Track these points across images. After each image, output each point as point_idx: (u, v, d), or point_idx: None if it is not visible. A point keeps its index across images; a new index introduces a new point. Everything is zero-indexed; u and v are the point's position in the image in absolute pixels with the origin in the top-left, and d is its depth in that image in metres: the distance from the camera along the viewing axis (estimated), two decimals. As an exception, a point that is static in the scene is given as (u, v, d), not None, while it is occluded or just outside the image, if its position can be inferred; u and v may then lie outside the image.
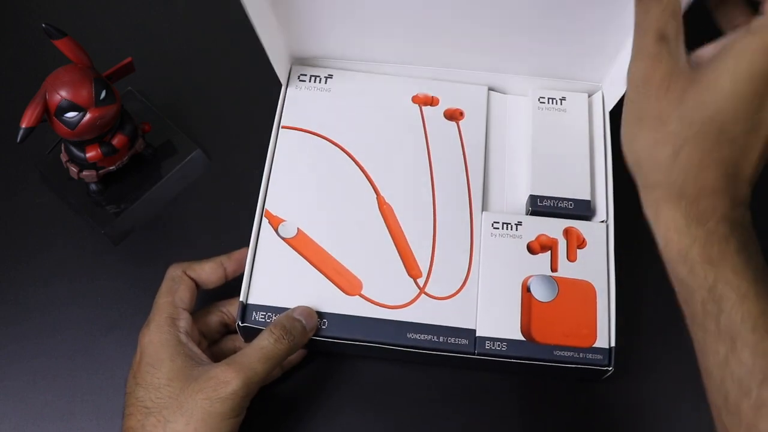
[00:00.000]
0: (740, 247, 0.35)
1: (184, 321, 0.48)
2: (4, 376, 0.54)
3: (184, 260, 0.57)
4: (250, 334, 0.49)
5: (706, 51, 0.37)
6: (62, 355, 0.54)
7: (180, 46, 0.67)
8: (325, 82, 0.58)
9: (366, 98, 0.57)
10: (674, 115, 0.35)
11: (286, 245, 0.51)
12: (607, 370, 0.48)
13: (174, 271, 0.50)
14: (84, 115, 0.51)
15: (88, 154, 0.54)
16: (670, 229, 0.36)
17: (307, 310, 0.48)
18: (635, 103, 0.37)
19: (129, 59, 0.55)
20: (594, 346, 0.48)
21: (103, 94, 0.51)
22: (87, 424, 0.52)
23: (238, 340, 0.52)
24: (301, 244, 0.51)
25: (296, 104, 0.57)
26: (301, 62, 0.59)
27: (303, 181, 0.54)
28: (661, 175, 0.36)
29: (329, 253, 0.51)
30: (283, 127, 0.56)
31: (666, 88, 0.35)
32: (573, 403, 0.52)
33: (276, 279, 0.50)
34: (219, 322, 0.51)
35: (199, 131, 0.62)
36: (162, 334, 0.47)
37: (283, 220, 0.52)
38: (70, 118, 0.51)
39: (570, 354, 0.48)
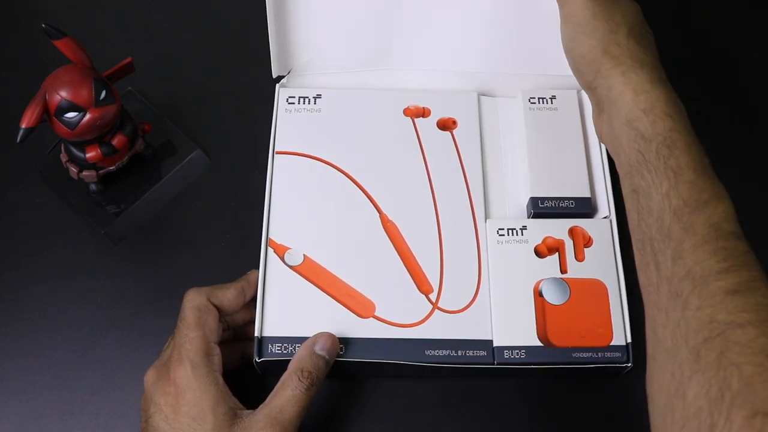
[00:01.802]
0: (683, 108, 0.45)
1: (217, 357, 0.47)
2: (5, 375, 0.54)
3: (184, 260, 0.57)
4: (268, 367, 0.49)
5: None
6: (62, 355, 0.54)
7: (180, 46, 0.67)
8: (315, 102, 0.57)
9: (357, 115, 0.57)
10: (616, 11, 0.48)
11: (295, 273, 0.51)
12: (627, 366, 0.49)
13: (198, 299, 0.48)
14: (84, 115, 0.51)
15: (88, 154, 0.54)
16: (637, 91, 0.45)
17: (328, 342, 0.48)
18: (587, 8, 0.48)
19: (129, 59, 0.55)
20: (611, 344, 0.49)
21: (103, 94, 0.51)
22: (87, 424, 0.52)
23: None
24: (309, 270, 0.51)
25: (288, 128, 0.56)
26: (293, 73, 0.59)
27: (304, 206, 0.53)
28: (624, 51, 0.47)
29: (338, 277, 0.51)
30: (278, 153, 0.55)
31: None
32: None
33: (288, 309, 0.50)
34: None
35: (199, 131, 0.62)
36: (202, 378, 0.45)
37: (289, 248, 0.52)
38: (70, 118, 0.51)
39: (588, 355, 0.48)
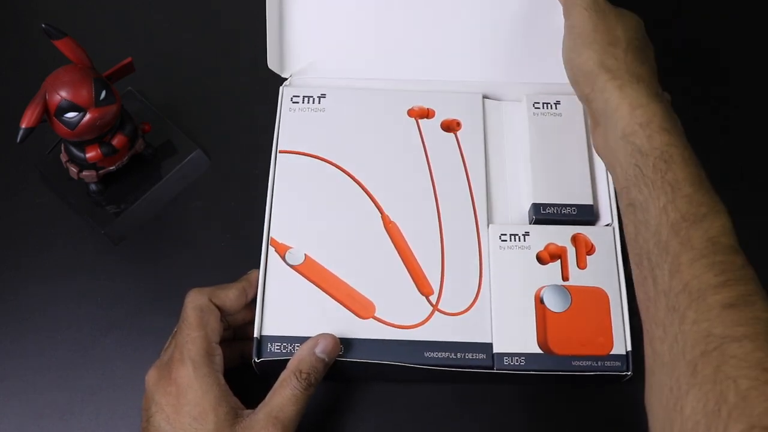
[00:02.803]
0: (680, 123, 0.45)
1: (218, 357, 0.47)
2: (5, 375, 0.54)
3: (184, 260, 0.57)
4: (267, 367, 0.49)
5: None
6: (62, 355, 0.54)
7: (180, 46, 0.67)
8: (319, 102, 0.57)
9: (361, 115, 0.57)
10: (618, 25, 0.49)
11: (295, 273, 0.51)
12: (626, 375, 0.48)
13: (200, 299, 0.48)
14: (84, 115, 0.51)
15: (88, 155, 0.54)
16: (634, 105, 0.45)
17: (330, 345, 0.48)
18: (588, 20, 0.49)
19: (129, 59, 0.55)
20: (611, 353, 0.48)
21: (103, 94, 0.51)
22: (87, 424, 0.52)
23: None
24: (309, 270, 0.51)
25: (291, 127, 0.56)
26: (296, 74, 0.59)
27: (306, 206, 0.53)
28: (621, 65, 0.47)
29: (339, 277, 0.51)
30: (281, 152, 0.55)
31: (609, 10, 0.50)
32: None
33: (288, 308, 0.50)
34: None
35: (199, 131, 0.62)
36: (203, 378, 0.45)
37: (290, 248, 0.52)
38: (70, 118, 0.51)
39: (588, 363, 0.48)
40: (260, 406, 0.46)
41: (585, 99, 0.50)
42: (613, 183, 0.46)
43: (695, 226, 0.40)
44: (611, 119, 0.46)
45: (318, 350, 0.48)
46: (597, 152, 0.50)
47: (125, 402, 0.52)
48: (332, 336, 0.48)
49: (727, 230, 0.40)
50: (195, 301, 0.47)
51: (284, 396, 0.45)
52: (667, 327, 0.39)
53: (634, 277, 0.44)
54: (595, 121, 0.50)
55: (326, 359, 0.48)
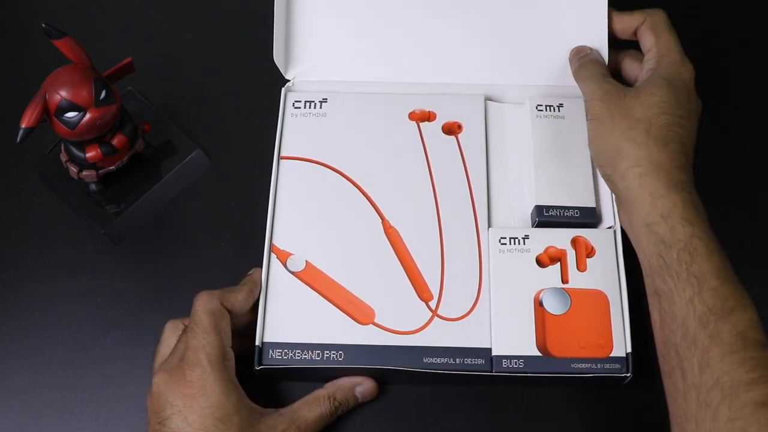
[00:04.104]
0: (704, 211, 0.45)
1: (232, 362, 0.47)
2: (5, 375, 0.54)
3: (184, 260, 0.57)
4: (269, 373, 0.49)
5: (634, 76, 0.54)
6: (62, 355, 0.54)
7: (180, 46, 0.67)
8: (320, 107, 0.57)
9: (362, 120, 0.57)
10: (636, 105, 0.48)
11: (296, 279, 0.51)
12: (626, 377, 0.48)
13: (212, 303, 0.47)
14: (84, 115, 0.51)
15: (88, 154, 0.54)
16: (654, 196, 0.45)
17: (369, 391, 0.50)
18: (603, 108, 0.49)
19: (129, 59, 0.55)
20: (611, 355, 0.48)
21: (103, 94, 0.51)
22: (87, 424, 0.52)
23: None
24: (310, 276, 0.51)
25: (293, 133, 0.56)
26: (299, 76, 0.59)
27: (307, 212, 0.53)
28: (641, 151, 0.46)
29: (339, 283, 0.51)
30: (283, 158, 0.55)
31: (624, 94, 0.50)
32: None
33: (289, 315, 0.50)
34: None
35: (199, 131, 0.62)
36: (224, 382, 0.45)
37: (291, 254, 0.52)
38: (70, 118, 0.51)
39: (588, 365, 0.48)
40: (284, 410, 0.47)
41: (607, 180, 0.50)
42: (641, 265, 0.47)
43: (723, 320, 0.40)
44: (632, 205, 0.46)
45: (358, 390, 0.50)
46: (623, 227, 0.50)
47: (125, 402, 0.52)
48: (375, 384, 0.50)
49: (755, 324, 0.41)
50: (207, 305, 0.47)
51: (313, 412, 0.48)
52: (700, 422, 0.39)
53: (660, 366, 0.44)
54: (618, 200, 0.50)
55: (359, 400, 0.50)
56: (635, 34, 0.54)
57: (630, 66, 0.55)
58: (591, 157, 0.52)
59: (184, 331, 0.47)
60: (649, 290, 0.46)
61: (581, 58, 0.55)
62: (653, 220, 0.45)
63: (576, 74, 0.55)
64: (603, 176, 0.50)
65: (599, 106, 0.50)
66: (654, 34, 0.52)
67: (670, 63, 0.50)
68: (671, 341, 0.42)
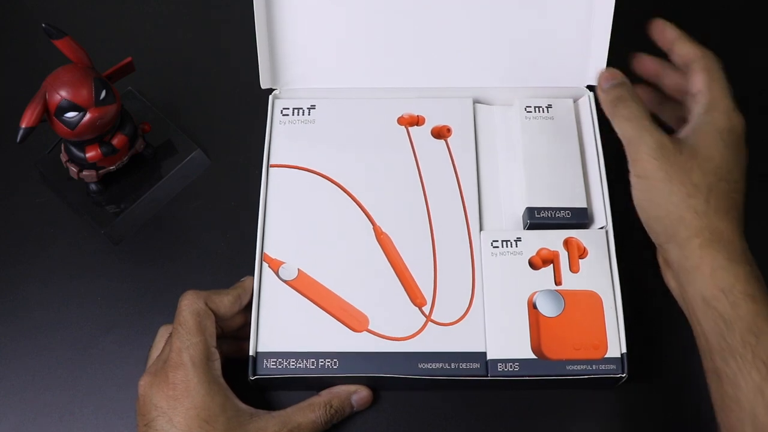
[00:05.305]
0: (765, 284, 0.42)
1: (217, 362, 0.47)
2: (4, 375, 0.54)
3: (184, 260, 0.57)
4: (264, 384, 0.49)
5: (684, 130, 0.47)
6: (62, 355, 0.54)
7: (180, 46, 0.67)
8: (309, 114, 0.57)
9: (351, 126, 0.57)
10: (695, 168, 0.44)
11: (289, 288, 0.51)
12: (621, 378, 0.48)
13: (197, 304, 0.47)
14: (84, 115, 0.51)
15: (88, 154, 0.54)
16: (715, 269, 0.42)
17: (364, 399, 0.50)
18: (657, 167, 0.44)
19: (129, 59, 0.55)
20: (606, 356, 0.48)
21: (103, 94, 0.51)
22: (87, 423, 0.52)
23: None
24: (303, 285, 0.51)
25: (282, 140, 0.56)
26: (286, 84, 0.59)
27: (298, 220, 0.53)
28: (702, 222, 0.43)
29: (332, 291, 0.51)
30: (272, 166, 0.55)
31: (680, 151, 0.44)
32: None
33: (282, 324, 0.50)
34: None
35: (199, 131, 0.62)
36: (208, 382, 0.45)
37: (283, 263, 0.52)
38: (70, 118, 0.51)
39: (583, 367, 0.48)
40: (277, 413, 0.47)
41: (659, 245, 0.47)
42: (694, 334, 0.44)
43: None
44: (689, 276, 0.43)
45: (354, 398, 0.50)
46: (671, 291, 0.47)
47: (125, 402, 0.52)
48: (370, 392, 0.50)
49: None
50: (192, 305, 0.47)
51: (307, 417, 0.47)
52: None
53: None
54: (665, 262, 0.47)
55: (354, 408, 0.50)
56: (685, 64, 0.49)
57: (673, 80, 0.51)
58: (641, 219, 0.47)
59: (173, 331, 0.47)
60: (707, 366, 0.43)
61: (616, 88, 0.48)
62: (712, 294, 0.42)
63: (613, 110, 0.48)
64: (655, 242, 0.47)
65: (652, 164, 0.44)
66: (708, 77, 0.47)
67: (723, 112, 0.46)
68: (737, 429, 0.40)
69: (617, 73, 0.49)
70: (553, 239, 0.52)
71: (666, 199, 0.44)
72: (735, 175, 0.45)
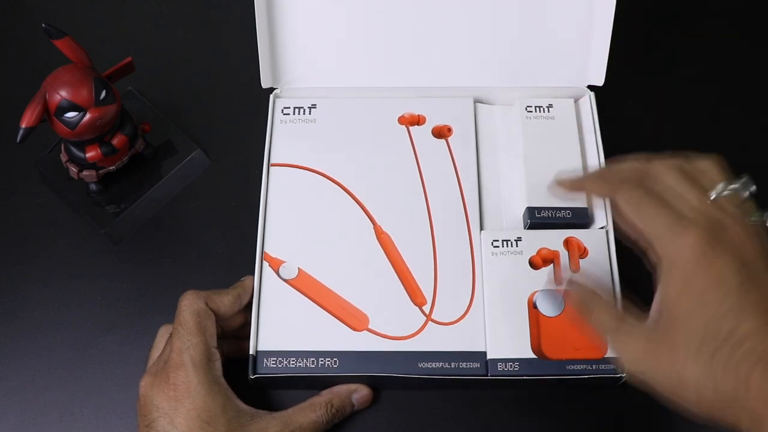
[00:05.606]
0: None
1: (218, 362, 0.47)
2: (4, 375, 0.54)
3: (184, 260, 0.57)
4: (264, 383, 0.49)
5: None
6: (62, 355, 0.54)
7: (180, 46, 0.67)
8: (309, 113, 0.57)
9: (352, 125, 0.57)
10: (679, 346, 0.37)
11: (289, 287, 0.51)
12: (621, 378, 0.48)
13: (197, 304, 0.47)
14: (84, 115, 0.51)
15: (88, 154, 0.54)
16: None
17: (364, 398, 0.50)
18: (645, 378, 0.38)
19: (129, 59, 0.55)
20: (606, 356, 0.48)
21: (103, 94, 0.51)
22: (87, 423, 0.52)
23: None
24: (303, 284, 0.51)
25: (283, 140, 0.56)
26: (287, 83, 0.59)
27: (298, 219, 0.53)
28: (751, 343, 0.35)
29: (332, 290, 0.51)
30: (272, 165, 0.55)
31: (667, 348, 0.38)
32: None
33: (282, 322, 0.50)
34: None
35: (199, 131, 0.62)
36: (209, 383, 0.45)
37: (283, 262, 0.52)
38: (70, 118, 0.51)
39: (582, 367, 0.48)
40: (278, 413, 0.47)
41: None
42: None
43: None
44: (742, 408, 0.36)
45: (354, 397, 0.50)
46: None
47: (125, 402, 0.52)
48: (370, 391, 0.50)
49: None
50: (192, 305, 0.47)
51: (308, 418, 0.47)
52: None
53: None
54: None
55: (355, 407, 0.50)
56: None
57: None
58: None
59: (173, 331, 0.47)
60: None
61: (580, 290, 0.43)
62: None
63: (590, 318, 0.42)
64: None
65: (642, 375, 0.39)
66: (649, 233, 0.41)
67: (665, 268, 0.39)
68: None
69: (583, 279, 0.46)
70: (553, 239, 0.52)
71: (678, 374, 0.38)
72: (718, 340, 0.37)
